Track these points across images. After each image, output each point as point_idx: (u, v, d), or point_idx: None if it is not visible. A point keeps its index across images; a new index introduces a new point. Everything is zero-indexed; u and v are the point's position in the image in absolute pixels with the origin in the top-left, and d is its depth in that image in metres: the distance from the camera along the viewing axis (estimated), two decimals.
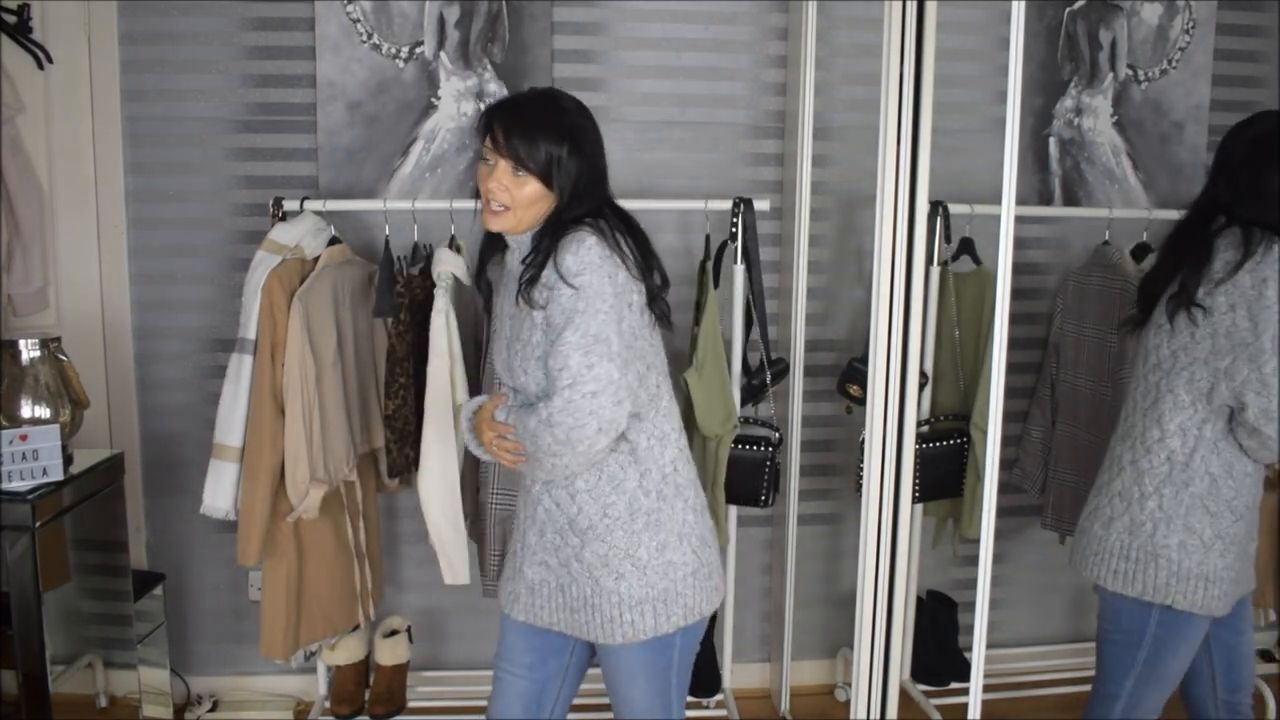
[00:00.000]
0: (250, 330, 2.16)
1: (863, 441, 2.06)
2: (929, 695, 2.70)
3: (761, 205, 2.42)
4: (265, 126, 2.58)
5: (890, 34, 1.88)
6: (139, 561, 2.63)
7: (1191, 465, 1.75)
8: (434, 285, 2.24)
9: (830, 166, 2.67)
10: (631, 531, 1.59)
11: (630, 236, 1.59)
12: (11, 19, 2.39)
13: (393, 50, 2.55)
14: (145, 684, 2.43)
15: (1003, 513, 2.75)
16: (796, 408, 2.59)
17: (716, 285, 2.45)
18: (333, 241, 2.31)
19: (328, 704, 2.58)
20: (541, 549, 1.65)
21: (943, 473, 2.55)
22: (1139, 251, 2.59)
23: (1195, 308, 1.71)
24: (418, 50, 2.56)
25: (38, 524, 1.97)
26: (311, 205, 2.35)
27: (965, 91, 2.71)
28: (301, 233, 2.25)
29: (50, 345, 2.14)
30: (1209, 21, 2.81)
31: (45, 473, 2.02)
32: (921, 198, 1.94)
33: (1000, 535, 2.84)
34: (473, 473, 2.38)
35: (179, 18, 2.51)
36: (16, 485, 1.98)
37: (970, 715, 1.92)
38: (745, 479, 2.46)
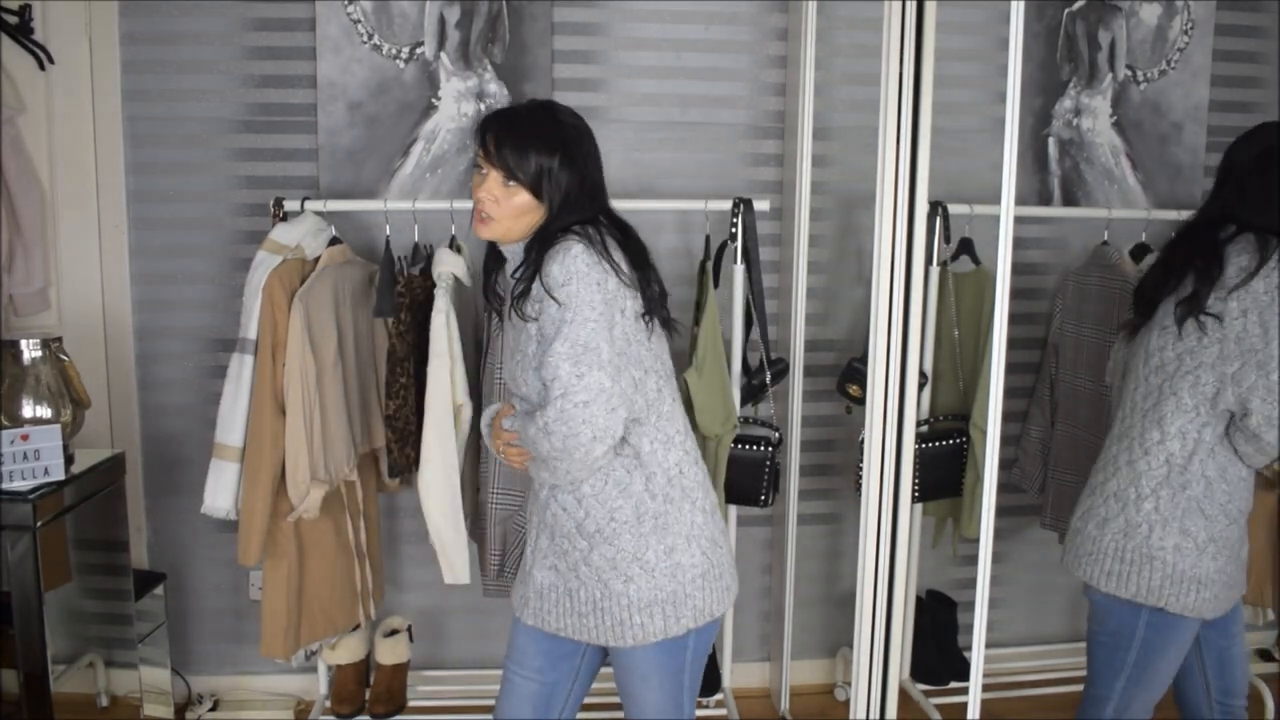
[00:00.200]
0: (251, 330, 2.16)
1: (862, 441, 2.07)
2: (928, 695, 2.70)
3: (761, 205, 2.43)
4: (266, 127, 2.58)
5: (890, 34, 1.88)
6: (140, 561, 2.64)
7: (1189, 468, 1.75)
8: (434, 285, 2.25)
9: (830, 166, 2.67)
10: (639, 535, 1.59)
11: (625, 247, 1.59)
12: (13, 19, 2.39)
13: (393, 51, 2.56)
14: (146, 683, 2.43)
15: (1002, 512, 2.76)
16: (796, 408, 2.60)
17: (716, 285, 2.45)
18: (333, 242, 2.31)
19: (328, 703, 2.59)
20: (551, 553, 1.65)
21: (942, 472, 2.55)
22: (1138, 252, 2.59)
23: (1206, 315, 1.71)
24: (418, 51, 2.56)
25: (39, 523, 1.97)
26: (312, 205, 2.35)
27: (965, 91, 2.72)
28: (302, 233, 2.26)
29: (51, 345, 2.14)
30: (1208, 22, 2.81)
31: (46, 472, 2.02)
32: (921, 198, 1.94)
33: (1000, 535, 2.85)
34: (473, 473, 2.38)
35: (180, 18, 2.51)
36: (18, 485, 1.99)
37: (970, 715, 1.92)
38: (745, 479, 2.46)
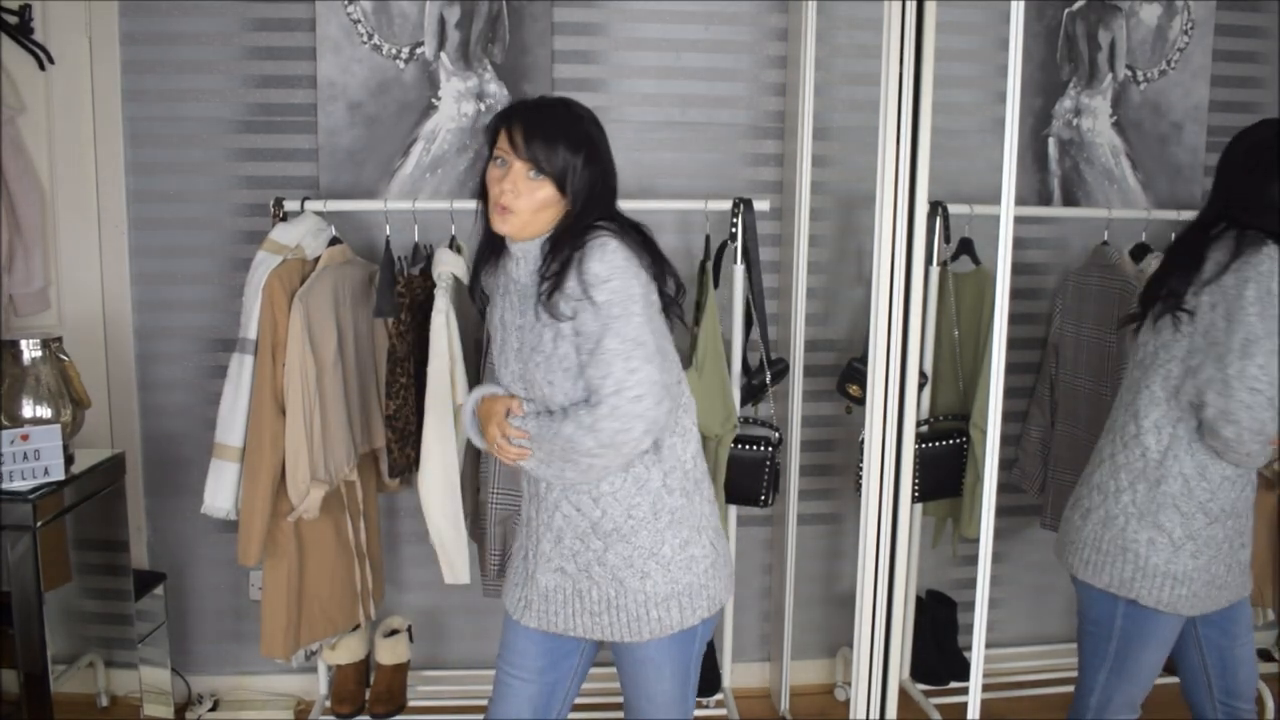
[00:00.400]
0: (251, 330, 2.16)
1: (862, 441, 2.07)
2: (928, 695, 2.71)
3: (761, 205, 2.43)
4: (266, 127, 2.58)
5: (890, 34, 1.88)
6: (140, 561, 2.64)
7: (1165, 463, 1.76)
8: (434, 285, 2.25)
9: (830, 166, 2.67)
10: (655, 530, 1.60)
11: (644, 244, 1.60)
12: (12, 19, 2.39)
13: (393, 51, 2.56)
14: (146, 683, 2.43)
15: (1002, 512, 2.76)
16: (796, 408, 2.60)
17: (716, 285, 2.45)
18: (333, 242, 2.31)
19: (328, 703, 2.59)
20: (558, 555, 1.63)
21: (942, 472, 2.55)
22: (1138, 252, 2.59)
23: (1182, 310, 1.73)
24: (418, 51, 2.56)
25: (39, 523, 1.97)
26: (312, 205, 2.35)
27: (965, 91, 2.72)
28: (302, 233, 2.26)
29: (51, 345, 2.14)
30: (1208, 22, 2.81)
31: (46, 472, 2.02)
32: (921, 198, 1.94)
33: (999, 535, 2.85)
34: (473, 472, 2.38)
35: (180, 18, 2.51)
36: (18, 485, 1.99)
37: (970, 714, 1.92)
38: (745, 479, 2.46)
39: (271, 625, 2.26)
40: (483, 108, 2.59)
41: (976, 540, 1.89)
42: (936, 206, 2.47)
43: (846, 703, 2.54)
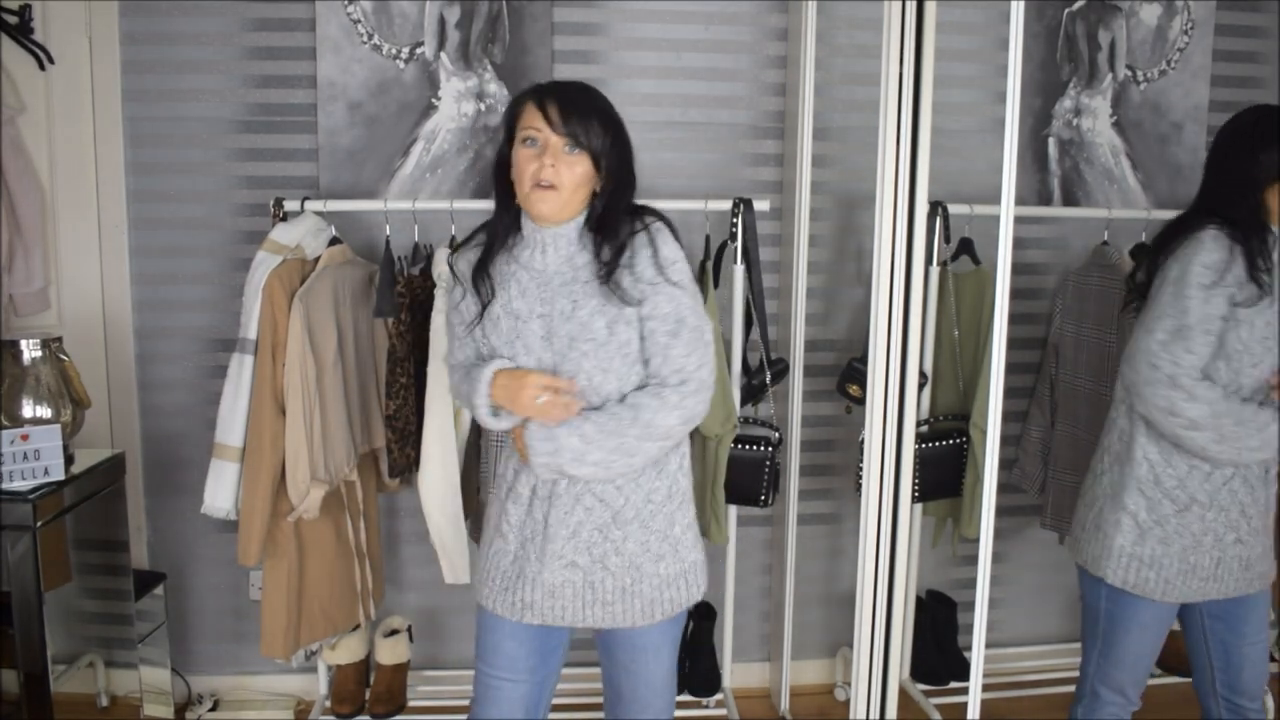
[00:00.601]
0: (251, 330, 2.16)
1: (862, 441, 2.07)
2: (928, 695, 2.71)
3: (761, 205, 2.43)
4: (266, 127, 2.58)
5: (890, 34, 1.88)
6: (140, 561, 2.64)
7: (1133, 448, 1.82)
8: (434, 285, 2.25)
9: (830, 166, 2.67)
10: (668, 513, 1.64)
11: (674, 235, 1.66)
12: (12, 19, 2.39)
13: (393, 51, 2.56)
14: (146, 683, 2.43)
15: (1002, 512, 2.76)
16: (796, 408, 2.60)
17: (716, 285, 2.45)
18: (333, 242, 2.31)
19: (328, 703, 2.59)
20: (571, 550, 1.61)
21: (942, 472, 2.55)
22: (1138, 252, 2.59)
23: (1142, 299, 1.84)
24: (418, 51, 2.56)
25: (39, 523, 1.97)
26: (312, 205, 2.35)
27: (965, 91, 2.72)
28: (302, 233, 2.26)
29: (51, 345, 2.14)
30: (1208, 22, 2.81)
31: (46, 472, 2.02)
32: (921, 198, 1.94)
33: (1000, 535, 2.85)
34: (473, 473, 2.38)
35: (180, 18, 2.51)
36: (18, 485, 1.99)
37: (970, 715, 1.92)
38: (745, 479, 2.46)
39: (271, 625, 2.26)
40: (483, 108, 2.59)
41: (976, 540, 1.89)
42: (936, 206, 2.47)
43: (846, 703, 2.54)
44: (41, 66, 2.44)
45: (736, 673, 2.79)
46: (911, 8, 1.87)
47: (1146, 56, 2.81)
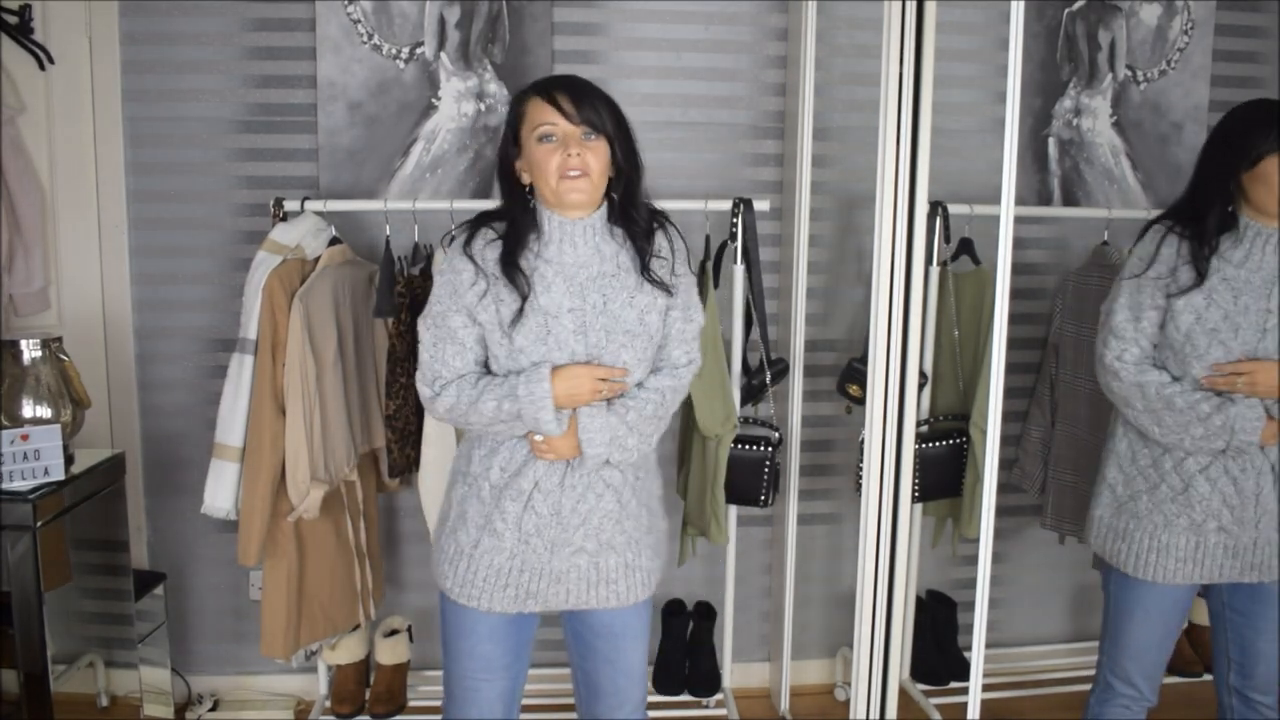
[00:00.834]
0: (251, 330, 2.16)
1: (862, 441, 2.07)
2: (929, 695, 2.70)
3: (761, 205, 2.43)
4: (266, 127, 2.58)
5: (890, 34, 1.88)
6: (140, 561, 2.64)
7: (1116, 425, 1.92)
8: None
9: (830, 166, 2.67)
10: (652, 488, 1.72)
11: None
12: (12, 19, 2.39)
13: (393, 51, 2.56)
14: (146, 683, 2.43)
15: (1002, 512, 2.76)
16: (796, 408, 2.60)
17: (716, 285, 2.45)
18: (333, 242, 2.32)
19: (328, 703, 2.59)
20: (581, 537, 1.63)
21: (942, 472, 2.55)
22: None
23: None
24: (418, 51, 2.56)
25: (39, 523, 1.97)
26: (312, 205, 2.35)
27: (965, 91, 2.72)
28: (302, 233, 2.26)
29: (51, 345, 2.14)
30: (1208, 22, 2.81)
31: (46, 472, 2.02)
32: (921, 198, 1.94)
33: (1000, 535, 2.85)
34: None
35: (180, 18, 2.51)
36: (18, 485, 1.98)
37: (970, 715, 1.92)
38: (745, 479, 2.46)
39: (271, 625, 2.26)
40: (483, 108, 2.59)
41: (976, 540, 1.89)
42: (936, 206, 2.47)
43: (846, 703, 2.54)
44: (41, 66, 2.44)
45: (736, 673, 2.79)
46: (911, 8, 1.87)
47: (1146, 56, 2.81)
